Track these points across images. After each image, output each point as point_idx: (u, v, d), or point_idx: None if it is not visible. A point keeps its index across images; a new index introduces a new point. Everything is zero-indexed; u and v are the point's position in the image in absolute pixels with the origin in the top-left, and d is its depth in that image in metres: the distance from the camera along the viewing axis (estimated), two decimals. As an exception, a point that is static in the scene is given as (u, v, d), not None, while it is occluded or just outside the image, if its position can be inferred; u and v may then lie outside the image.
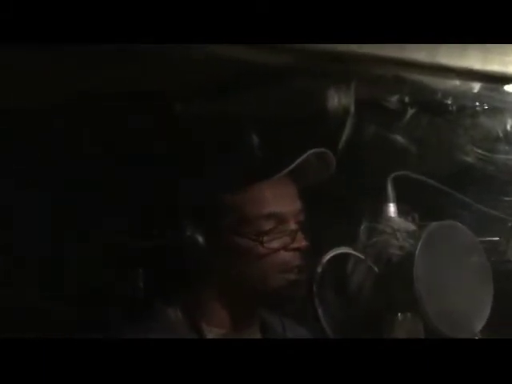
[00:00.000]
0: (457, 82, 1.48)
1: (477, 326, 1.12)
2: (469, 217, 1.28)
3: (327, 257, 1.13)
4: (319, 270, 1.12)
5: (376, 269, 1.11)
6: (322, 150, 1.23)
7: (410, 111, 1.51)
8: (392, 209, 1.17)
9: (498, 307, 1.13)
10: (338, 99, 1.45)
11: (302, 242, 1.22)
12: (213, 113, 1.49)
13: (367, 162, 1.56)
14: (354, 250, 1.14)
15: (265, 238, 1.19)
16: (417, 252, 1.07)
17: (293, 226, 1.22)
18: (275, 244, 1.20)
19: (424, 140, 1.56)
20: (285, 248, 1.20)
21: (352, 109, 1.44)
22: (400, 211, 1.17)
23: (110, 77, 1.35)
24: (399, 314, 1.10)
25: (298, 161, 1.20)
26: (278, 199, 1.21)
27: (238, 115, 1.47)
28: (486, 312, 1.13)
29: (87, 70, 1.29)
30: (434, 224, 1.12)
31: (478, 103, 1.57)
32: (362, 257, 1.13)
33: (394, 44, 1.21)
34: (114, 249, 1.52)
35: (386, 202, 1.17)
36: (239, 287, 1.22)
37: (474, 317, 1.12)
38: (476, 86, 1.51)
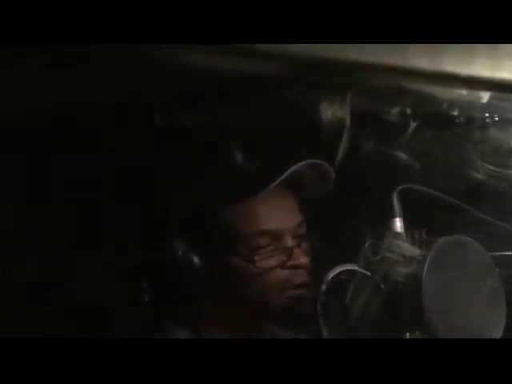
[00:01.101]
0: (464, 92, 1.43)
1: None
2: (478, 231, 1.25)
3: (332, 274, 1.11)
4: (323, 287, 1.11)
5: (382, 286, 1.09)
6: (316, 161, 1.21)
7: (413, 124, 1.45)
8: (398, 224, 1.15)
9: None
10: (332, 111, 1.39)
11: (299, 258, 1.19)
12: (199, 125, 1.44)
13: (368, 179, 1.49)
14: (359, 267, 1.12)
15: (256, 257, 1.17)
16: (425, 268, 1.05)
17: (289, 242, 1.19)
18: (270, 262, 1.18)
19: (429, 156, 1.49)
20: (281, 266, 1.18)
21: (348, 122, 1.38)
22: (406, 226, 1.15)
23: (88, 87, 1.32)
24: (407, 334, 1.08)
25: (289, 172, 1.18)
26: (273, 215, 1.19)
27: (226, 127, 1.42)
28: (499, 330, 1.10)
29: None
30: (442, 239, 1.09)
31: (487, 114, 1.51)
32: (368, 274, 1.11)
33: (395, 49, 1.19)
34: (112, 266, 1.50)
35: (391, 216, 1.15)
36: (239, 306, 1.21)
37: (486, 335, 1.08)
38: (485, 96, 1.46)
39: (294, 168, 1.18)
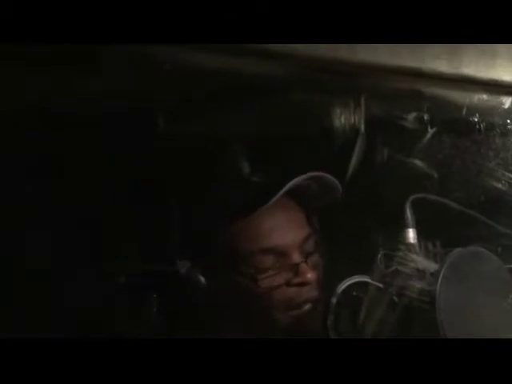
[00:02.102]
0: (484, 97, 1.37)
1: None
2: (496, 244, 1.23)
3: (342, 286, 1.10)
4: (334, 300, 1.09)
5: (395, 299, 1.08)
6: (318, 173, 1.19)
7: (431, 131, 1.39)
8: (411, 235, 1.14)
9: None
10: (345, 117, 1.34)
11: (306, 274, 1.18)
12: (198, 133, 1.38)
13: (382, 188, 1.44)
14: (372, 280, 1.11)
15: (260, 276, 1.15)
16: (439, 281, 1.03)
17: (296, 258, 1.18)
18: (275, 281, 1.16)
19: (447, 164, 1.44)
20: (286, 284, 1.17)
21: (362, 128, 1.33)
22: (420, 237, 1.14)
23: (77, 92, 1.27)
24: None
25: (288, 186, 1.16)
26: (278, 230, 1.18)
27: (228, 136, 1.36)
28: None
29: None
30: (457, 250, 1.08)
31: (509, 121, 1.45)
32: (381, 286, 1.10)
33: (411, 50, 1.13)
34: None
35: (404, 227, 1.15)
36: (245, 324, 1.20)
37: None
38: (507, 101, 1.40)
39: (293, 182, 1.16)
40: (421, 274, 1.08)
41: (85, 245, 1.43)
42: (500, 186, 1.45)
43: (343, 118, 1.34)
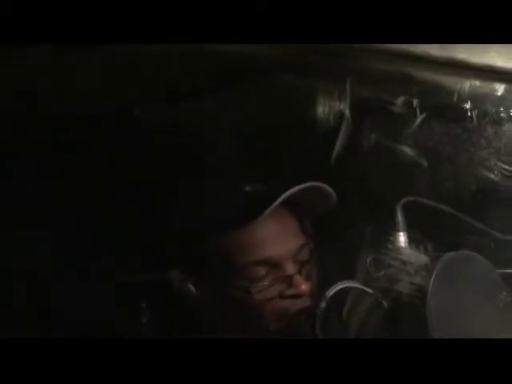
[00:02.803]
0: (477, 83, 1.34)
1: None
2: (487, 246, 1.24)
3: (331, 291, 1.10)
4: (323, 305, 1.09)
5: (385, 304, 1.08)
6: (316, 183, 1.18)
7: (420, 117, 1.35)
8: (402, 238, 1.14)
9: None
10: (328, 102, 1.31)
11: (301, 285, 1.17)
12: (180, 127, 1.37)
13: (368, 176, 1.40)
14: (361, 284, 1.11)
15: (253, 289, 1.15)
16: (430, 286, 1.03)
17: (290, 269, 1.17)
18: (268, 293, 1.16)
19: (437, 152, 1.40)
20: (280, 296, 1.17)
21: (347, 113, 1.29)
22: (411, 240, 1.14)
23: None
24: None
25: (287, 194, 1.15)
26: (271, 241, 1.18)
27: (213, 128, 1.36)
28: None
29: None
30: (448, 255, 1.07)
31: (502, 108, 1.40)
32: (370, 291, 1.10)
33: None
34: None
35: (394, 230, 1.14)
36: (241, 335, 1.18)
37: None
38: (500, 88, 1.36)
39: (289, 192, 1.15)
40: (411, 278, 1.07)
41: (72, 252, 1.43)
42: (492, 176, 1.41)
43: (326, 104, 1.31)
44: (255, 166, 1.33)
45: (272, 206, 1.14)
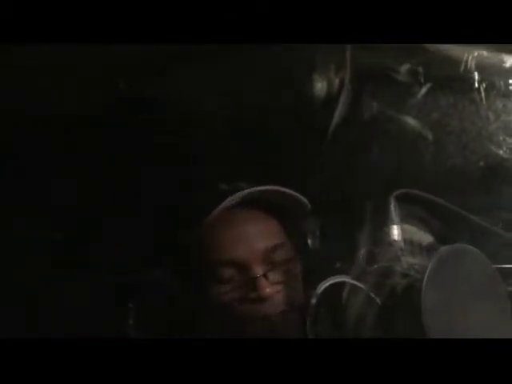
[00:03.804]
0: (484, 53, 1.32)
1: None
2: (483, 240, 1.20)
3: (322, 287, 1.09)
4: (313, 301, 1.08)
5: (378, 300, 1.06)
6: (273, 187, 1.17)
7: (425, 87, 1.31)
8: (395, 231, 1.12)
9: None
10: (328, 68, 1.26)
11: (264, 289, 1.13)
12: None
13: (368, 149, 1.35)
14: (353, 279, 1.09)
15: (220, 290, 1.14)
16: (424, 280, 1.01)
17: (256, 271, 1.14)
18: (233, 294, 1.14)
19: (442, 125, 1.35)
20: (243, 299, 1.14)
21: (347, 80, 1.25)
22: (405, 234, 1.12)
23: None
24: None
25: (243, 193, 1.15)
26: (240, 242, 1.15)
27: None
28: None
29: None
30: (443, 248, 1.05)
31: (511, 81, 1.37)
32: (362, 286, 1.08)
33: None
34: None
35: (388, 223, 1.13)
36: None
37: None
38: (508, 59, 1.35)
39: (239, 194, 1.14)
40: (405, 272, 1.06)
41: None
42: (501, 152, 1.37)
43: (327, 69, 1.27)
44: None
45: (221, 207, 1.14)
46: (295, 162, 1.33)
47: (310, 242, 1.32)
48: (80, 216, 1.43)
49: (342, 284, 1.09)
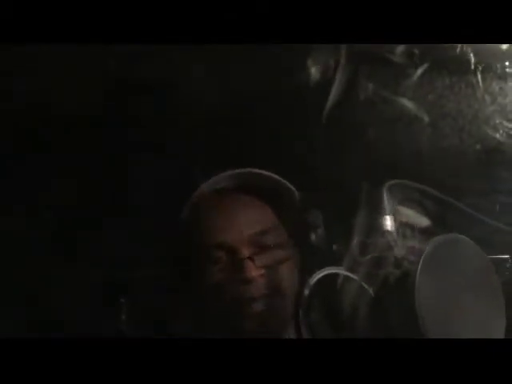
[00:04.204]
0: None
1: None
2: (477, 229, 1.17)
3: (315, 278, 1.10)
4: (306, 292, 1.09)
5: (371, 290, 1.06)
6: (252, 169, 1.19)
7: (421, 68, 1.29)
8: (388, 222, 1.11)
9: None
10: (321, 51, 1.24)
11: (250, 271, 1.15)
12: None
13: (364, 130, 1.34)
14: (346, 269, 1.09)
15: (212, 269, 1.16)
16: (418, 271, 1.00)
17: (243, 253, 1.16)
18: (221, 276, 1.16)
19: (439, 107, 1.34)
20: (231, 280, 1.15)
21: (342, 60, 1.22)
22: (398, 223, 1.10)
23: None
24: None
25: (210, 183, 1.18)
26: (229, 226, 1.18)
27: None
28: (500, 337, 1.06)
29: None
30: (437, 238, 1.03)
31: (507, 63, 1.36)
32: (355, 277, 1.07)
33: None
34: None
35: (381, 213, 1.10)
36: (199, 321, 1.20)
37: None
38: None
39: (215, 178, 1.18)
40: (398, 262, 1.04)
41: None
42: (498, 136, 1.36)
43: (319, 53, 1.25)
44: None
45: (197, 192, 1.17)
46: (291, 146, 1.32)
47: (306, 230, 1.30)
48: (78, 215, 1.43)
49: (335, 275, 1.09)
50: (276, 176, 1.21)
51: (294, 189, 1.21)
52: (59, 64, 1.23)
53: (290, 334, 1.15)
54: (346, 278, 1.08)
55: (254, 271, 1.15)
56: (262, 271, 1.16)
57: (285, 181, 1.21)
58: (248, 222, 1.18)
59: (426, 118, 1.32)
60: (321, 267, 1.10)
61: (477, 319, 1.05)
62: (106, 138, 1.39)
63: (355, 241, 1.08)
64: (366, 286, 1.06)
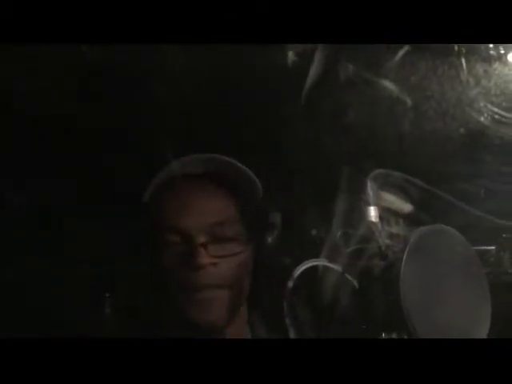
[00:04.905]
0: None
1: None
2: (461, 220, 1.18)
3: (299, 270, 1.09)
4: (290, 285, 1.08)
5: (355, 282, 1.08)
6: (212, 155, 1.21)
7: (402, 49, 1.26)
8: (373, 212, 1.12)
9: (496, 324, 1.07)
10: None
11: (202, 259, 1.16)
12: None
13: (344, 113, 1.30)
14: (330, 261, 1.10)
15: (165, 255, 1.18)
16: (403, 262, 1.01)
17: (198, 240, 1.18)
18: (175, 260, 1.18)
19: (421, 89, 1.31)
20: (183, 265, 1.17)
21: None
22: (382, 214, 1.12)
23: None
24: (383, 334, 1.04)
25: (175, 165, 1.19)
26: (190, 212, 1.19)
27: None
28: (485, 328, 1.07)
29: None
30: (421, 229, 1.05)
31: (491, 45, 1.31)
32: (339, 269, 1.09)
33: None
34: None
35: (365, 204, 1.12)
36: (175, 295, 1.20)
37: (470, 334, 1.06)
38: None
39: (177, 163, 1.19)
40: (383, 253, 1.06)
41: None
42: (482, 119, 1.33)
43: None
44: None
45: (161, 175, 1.18)
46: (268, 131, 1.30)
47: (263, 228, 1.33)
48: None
49: (318, 267, 1.10)
50: (243, 166, 1.21)
51: (258, 181, 1.22)
52: (59, 64, 1.22)
53: (234, 327, 1.17)
54: (330, 269, 1.08)
55: (205, 259, 1.16)
56: (214, 260, 1.17)
57: (251, 172, 1.21)
58: (209, 211, 1.19)
59: (409, 101, 1.30)
60: (303, 259, 1.09)
61: (462, 309, 1.05)
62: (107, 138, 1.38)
63: (337, 230, 1.10)
64: (350, 277, 1.07)
